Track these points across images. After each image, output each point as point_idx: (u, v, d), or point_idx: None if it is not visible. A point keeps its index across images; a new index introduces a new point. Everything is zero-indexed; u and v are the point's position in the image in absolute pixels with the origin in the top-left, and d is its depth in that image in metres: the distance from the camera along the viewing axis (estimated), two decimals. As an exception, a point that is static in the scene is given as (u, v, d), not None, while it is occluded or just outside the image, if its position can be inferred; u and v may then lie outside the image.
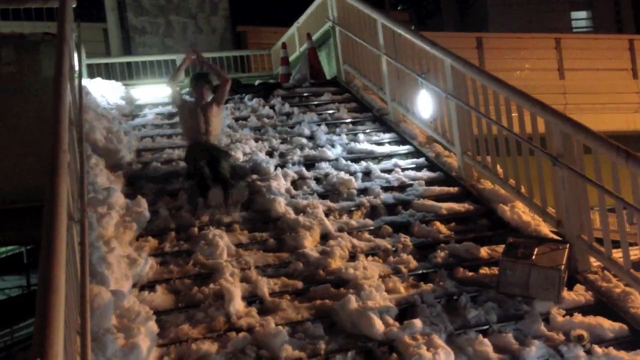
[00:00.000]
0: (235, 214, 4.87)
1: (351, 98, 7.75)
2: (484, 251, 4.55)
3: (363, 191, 5.40)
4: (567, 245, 4.14)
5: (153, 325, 3.48)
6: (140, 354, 3.26)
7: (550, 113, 4.49)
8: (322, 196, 5.29)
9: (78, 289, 3.14)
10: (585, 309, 3.85)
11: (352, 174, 5.62)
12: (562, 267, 3.96)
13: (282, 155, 5.98)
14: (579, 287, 4.07)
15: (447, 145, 5.90)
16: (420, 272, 4.32)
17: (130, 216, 4.55)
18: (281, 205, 4.92)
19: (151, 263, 4.16)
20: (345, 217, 4.98)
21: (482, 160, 5.36)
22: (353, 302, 3.81)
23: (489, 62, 10.36)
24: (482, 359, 3.47)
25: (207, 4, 13.30)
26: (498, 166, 5.19)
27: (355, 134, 6.57)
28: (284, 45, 10.26)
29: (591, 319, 3.73)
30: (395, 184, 5.55)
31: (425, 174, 5.79)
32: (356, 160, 5.94)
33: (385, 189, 5.45)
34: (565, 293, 3.97)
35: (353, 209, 5.10)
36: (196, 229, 4.61)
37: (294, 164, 5.77)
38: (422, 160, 6.05)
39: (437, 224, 4.91)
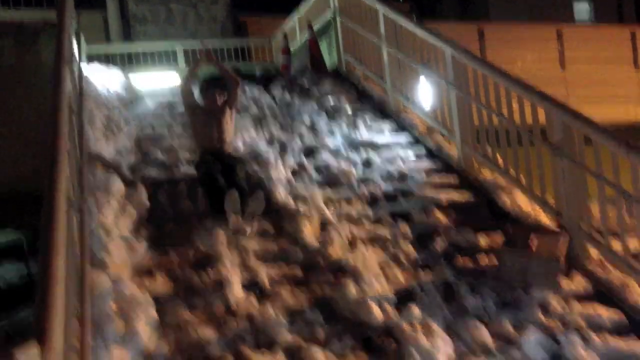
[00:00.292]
0: (251, 226, 4.49)
1: (352, 88, 7.73)
2: (483, 240, 4.56)
3: (363, 181, 5.40)
4: (566, 235, 4.15)
5: (152, 312, 3.49)
6: (139, 339, 3.28)
7: (551, 103, 4.49)
8: (322, 185, 5.29)
9: (78, 276, 3.15)
10: (583, 297, 3.87)
11: (353, 163, 5.62)
12: (561, 256, 3.97)
13: (282, 144, 5.98)
14: (578, 276, 4.08)
15: (448, 135, 5.90)
16: (420, 260, 4.33)
17: (130, 204, 4.56)
18: (281, 194, 4.93)
19: (150, 251, 4.16)
20: (345, 207, 4.98)
21: (482, 150, 5.36)
22: (352, 290, 3.84)
23: (490, 53, 10.32)
24: (479, 345, 3.49)
25: (208, -8, 13.25)
26: (498, 156, 5.19)
27: (356, 124, 6.56)
28: (284, 35, 10.24)
29: (589, 308, 3.75)
30: (395, 173, 5.55)
31: (425, 163, 5.79)
32: (356, 150, 5.93)
33: (386, 178, 5.46)
34: (564, 282, 3.99)
35: (353, 198, 5.11)
36: (195, 217, 4.62)
37: (294, 153, 5.77)
38: (422, 149, 6.05)
39: (437, 213, 4.92)
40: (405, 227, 4.67)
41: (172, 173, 5.32)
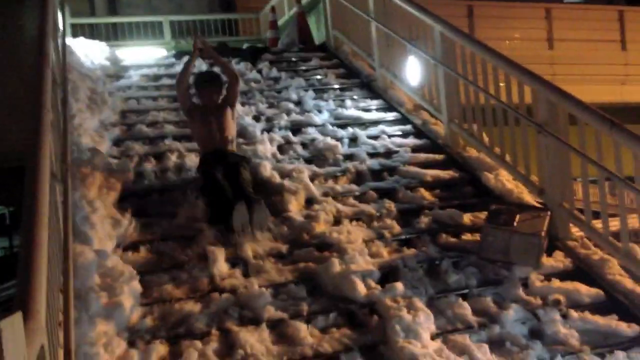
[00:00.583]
0: (262, 238, 4.17)
1: (339, 64, 7.69)
2: (467, 218, 4.60)
3: (349, 157, 5.40)
4: (548, 213, 4.20)
5: (136, 285, 3.50)
6: (123, 312, 3.30)
7: (537, 81, 4.50)
8: (308, 161, 5.29)
9: (61, 248, 3.14)
10: (563, 275, 3.93)
11: (339, 139, 5.62)
12: (543, 233, 4.02)
13: (268, 119, 5.95)
14: (559, 254, 4.14)
15: (434, 112, 5.91)
16: (404, 237, 4.36)
17: (114, 177, 4.53)
18: (267, 169, 4.92)
19: (135, 224, 4.15)
20: (330, 182, 4.99)
21: (468, 128, 5.38)
22: (336, 266, 3.86)
23: (479, 31, 10.29)
24: (461, 321, 3.54)
25: (195, -36, 13.03)
26: (484, 134, 5.21)
27: (343, 100, 6.54)
28: (273, 9, 10.13)
29: (569, 285, 3.81)
30: (382, 150, 5.56)
31: (411, 140, 5.80)
32: (343, 126, 5.92)
33: (372, 155, 5.46)
34: (545, 259, 4.04)
35: (339, 174, 5.12)
36: (180, 192, 4.60)
37: (280, 129, 5.75)
38: (409, 127, 6.05)
39: (422, 190, 4.94)
40: (390, 204, 4.69)
41: (157, 146, 5.28)
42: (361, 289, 3.71)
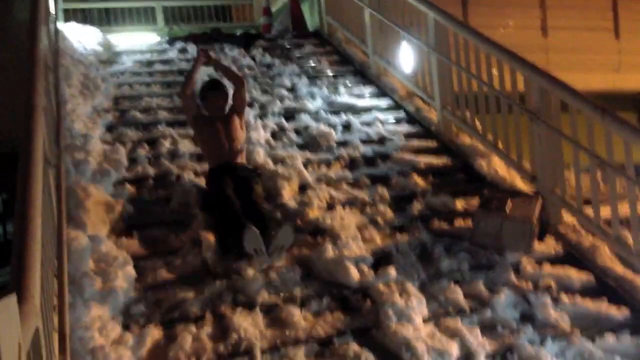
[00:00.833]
0: (278, 262, 3.81)
1: (333, 51, 7.68)
2: (459, 204, 4.62)
3: (342, 144, 5.41)
4: (540, 199, 4.23)
5: (130, 270, 3.51)
6: (117, 297, 3.31)
7: (530, 68, 4.51)
8: (302, 148, 5.30)
9: (55, 233, 3.15)
10: (554, 260, 3.97)
11: (332, 126, 5.62)
12: (534, 219, 4.05)
13: (262, 106, 5.95)
14: (550, 240, 4.17)
15: (427, 99, 5.92)
16: (397, 223, 4.38)
17: (108, 163, 4.53)
18: (260, 155, 4.93)
19: (129, 210, 4.15)
20: (324, 169, 5.00)
21: (461, 115, 5.39)
22: (329, 251, 3.88)
23: (473, 19, 10.26)
24: (453, 305, 3.58)
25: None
26: (477, 121, 5.23)
27: (336, 87, 6.54)
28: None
29: (559, 269, 3.85)
30: (375, 137, 5.57)
31: (404, 127, 5.81)
32: (336, 113, 5.92)
33: (365, 142, 5.48)
34: (536, 244, 4.08)
35: (332, 160, 5.13)
36: (174, 177, 4.60)
37: (273, 115, 5.75)
38: (402, 114, 6.07)
39: (415, 177, 4.96)
40: (383, 190, 4.71)
41: (151, 132, 5.27)
42: (354, 274, 3.73)
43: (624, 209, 3.84)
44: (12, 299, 1.71)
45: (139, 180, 4.57)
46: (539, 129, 4.39)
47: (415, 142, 5.53)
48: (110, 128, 5.26)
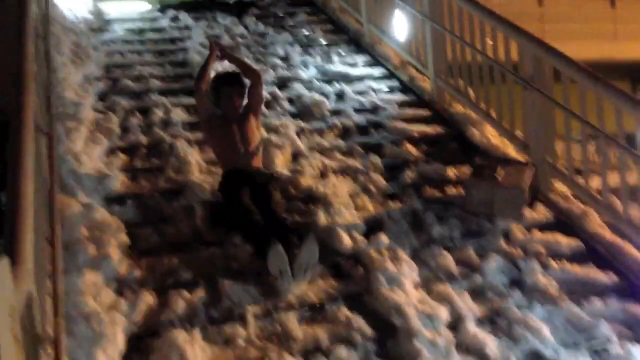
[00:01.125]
0: (303, 283, 3.41)
1: (327, 19, 7.61)
2: (451, 172, 4.64)
3: (336, 112, 5.40)
4: (532, 167, 4.26)
5: (124, 237, 3.54)
6: (111, 263, 3.34)
7: (523, 36, 4.49)
8: (295, 116, 5.28)
9: (47, 201, 3.16)
10: (544, 227, 4.01)
11: (325, 95, 5.61)
12: (525, 187, 4.08)
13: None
14: (540, 207, 4.21)
15: (421, 68, 5.89)
16: (389, 191, 4.40)
17: (100, 132, 4.53)
18: (253, 124, 4.91)
19: (121, 178, 4.16)
20: (317, 137, 5.00)
21: (454, 84, 5.38)
22: (322, 219, 3.92)
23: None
24: (443, 271, 3.62)
25: None
26: (470, 90, 5.23)
27: (330, 56, 6.49)
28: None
29: (549, 236, 3.89)
30: (368, 106, 5.56)
31: (398, 96, 5.80)
32: (330, 82, 5.89)
33: (358, 110, 5.46)
34: (527, 212, 4.11)
35: (325, 129, 5.12)
36: (167, 146, 4.60)
37: (267, 84, 5.70)
38: (395, 83, 6.04)
39: (408, 145, 4.97)
40: (375, 159, 4.72)
41: (144, 101, 5.25)
42: (347, 241, 3.77)
43: (617, 179, 3.87)
44: (4, 262, 1.73)
45: (131, 149, 4.57)
46: (531, 97, 4.39)
47: (409, 111, 5.53)
48: (102, 96, 5.23)
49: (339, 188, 4.29)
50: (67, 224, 3.41)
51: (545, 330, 3.16)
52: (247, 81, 4.29)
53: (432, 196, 4.34)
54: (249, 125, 4.10)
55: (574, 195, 4.26)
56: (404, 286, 3.41)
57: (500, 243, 3.84)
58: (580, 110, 4.03)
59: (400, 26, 6.19)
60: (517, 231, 3.93)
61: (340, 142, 4.96)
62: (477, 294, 3.47)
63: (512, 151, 4.76)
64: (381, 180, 4.48)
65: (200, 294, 3.30)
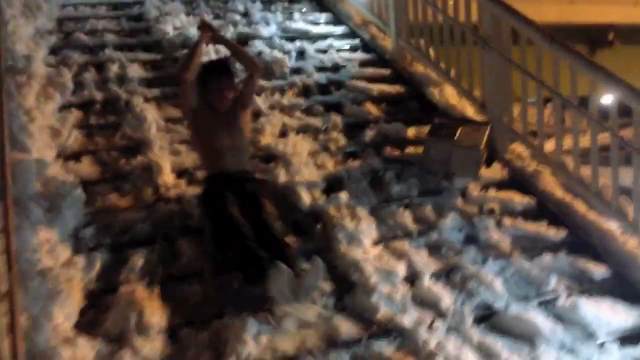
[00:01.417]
0: (310, 311, 2.97)
1: (289, -25, 7.45)
2: (411, 132, 4.68)
3: (296, 71, 5.35)
4: (488, 126, 4.32)
5: (79, 194, 3.47)
6: (66, 221, 3.28)
7: (483, -4, 4.50)
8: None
9: (-2, 157, 3.07)
10: (499, 185, 4.09)
11: (286, 53, 5.53)
12: (482, 146, 4.15)
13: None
14: (496, 165, 4.28)
15: (383, 27, 5.87)
16: (349, 150, 4.41)
17: (52, 87, 4.39)
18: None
19: (76, 135, 4.07)
20: (277, 96, 4.95)
21: (415, 44, 5.38)
22: (281, 176, 3.91)
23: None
24: (401, 229, 3.68)
25: None
26: (430, 50, 5.24)
27: (291, 13, 6.40)
28: None
29: (503, 194, 3.98)
30: (329, 64, 5.52)
31: (359, 55, 5.77)
32: (291, 40, 5.82)
33: (319, 69, 5.42)
34: (483, 170, 4.19)
35: (285, 88, 5.07)
36: (123, 102, 4.49)
37: (227, 41, 5.61)
38: (357, 41, 6.01)
39: (368, 104, 4.97)
40: (336, 118, 4.71)
41: (98, 55, 5.10)
42: (306, 199, 3.79)
43: (570, 141, 3.96)
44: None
45: (86, 105, 4.45)
46: (489, 56, 4.43)
47: (370, 70, 5.51)
48: (54, 51, 5.06)
49: (299, 147, 4.27)
50: (19, 180, 3.33)
51: (498, 284, 3.26)
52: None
53: (391, 155, 4.38)
54: (239, 121, 3.59)
55: (528, 154, 4.35)
56: (363, 243, 3.46)
57: (457, 201, 3.91)
58: (536, 72, 4.08)
59: (362, -16, 6.13)
60: (473, 189, 4.01)
61: (301, 101, 4.93)
62: (433, 250, 3.54)
63: (470, 111, 4.81)
64: (341, 139, 4.49)
65: (158, 251, 3.28)
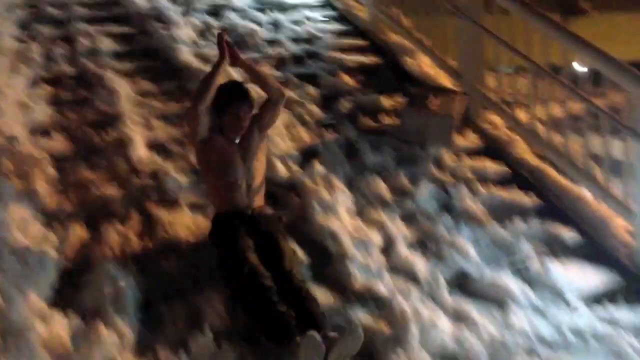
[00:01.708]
0: None
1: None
2: (386, 102, 4.68)
3: (271, 42, 5.31)
4: (463, 95, 4.34)
5: (51, 170, 3.44)
6: (38, 197, 3.25)
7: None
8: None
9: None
10: (473, 153, 4.12)
11: (260, 24, 5.49)
12: (456, 115, 4.17)
13: (186, 2, 5.70)
14: (470, 134, 4.31)
15: (358, -4, 5.83)
16: (325, 121, 4.41)
17: (22, 62, 4.31)
18: (184, 54, 4.78)
19: (47, 110, 4.01)
20: (251, 68, 4.90)
21: (390, 13, 5.36)
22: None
23: None
24: (377, 198, 3.70)
25: None
26: (405, 19, 5.22)
27: (265, -17, 6.32)
28: None
29: (477, 162, 4.02)
30: (304, 35, 5.49)
31: (334, 26, 5.75)
32: (265, 11, 5.76)
33: (294, 40, 5.39)
34: (457, 139, 4.22)
35: (259, 59, 5.03)
36: (94, 76, 4.43)
37: (199, 12, 5.54)
38: (331, 12, 5.97)
39: (344, 75, 4.96)
40: (311, 89, 4.70)
41: (68, 30, 5.00)
42: (282, 170, 3.79)
43: (543, 110, 3.99)
44: None
45: (56, 80, 4.38)
46: (463, 25, 4.43)
47: (345, 41, 5.49)
48: (22, 25, 4.97)
49: (275, 119, 4.25)
50: (-12, 158, 3.28)
51: (471, 251, 3.31)
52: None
53: (367, 125, 4.38)
54: (256, 153, 3.20)
55: (503, 123, 4.38)
56: (339, 213, 3.48)
57: (432, 169, 3.94)
58: (510, 40, 4.09)
59: (336, -47, 6.05)
60: (448, 158, 4.03)
61: (276, 73, 4.89)
62: (408, 218, 3.57)
63: (445, 80, 4.83)
64: (317, 111, 4.48)
65: (134, 225, 3.27)
